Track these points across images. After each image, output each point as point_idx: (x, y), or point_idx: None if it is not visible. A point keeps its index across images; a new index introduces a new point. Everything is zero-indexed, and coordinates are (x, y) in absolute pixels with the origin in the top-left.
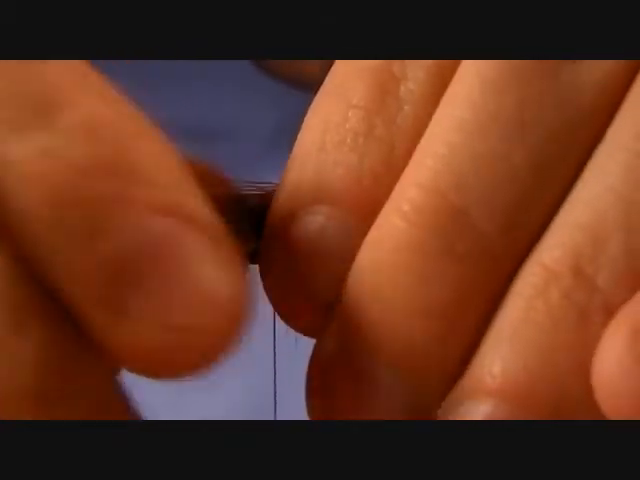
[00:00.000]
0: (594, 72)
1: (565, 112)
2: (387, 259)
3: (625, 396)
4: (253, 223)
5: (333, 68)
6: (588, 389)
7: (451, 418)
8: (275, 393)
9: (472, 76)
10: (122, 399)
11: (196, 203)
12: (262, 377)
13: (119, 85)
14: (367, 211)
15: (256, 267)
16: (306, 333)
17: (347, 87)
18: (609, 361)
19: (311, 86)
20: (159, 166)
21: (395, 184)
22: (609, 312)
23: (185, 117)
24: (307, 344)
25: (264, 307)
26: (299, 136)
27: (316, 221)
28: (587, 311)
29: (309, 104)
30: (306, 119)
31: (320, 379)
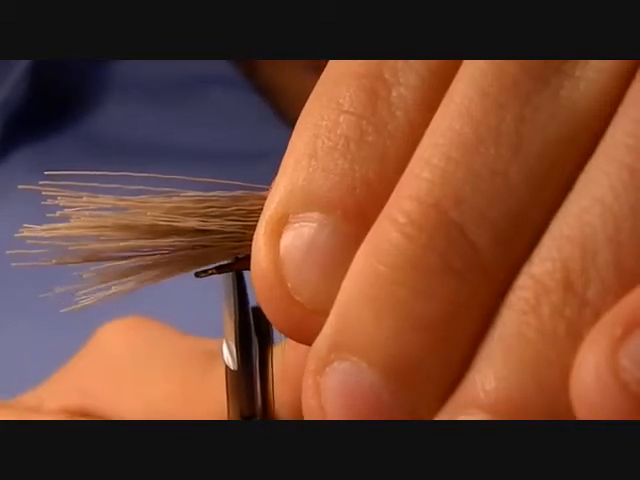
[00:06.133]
0: (591, 87)
1: (561, 127)
2: (382, 272)
3: (601, 412)
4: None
5: (324, 72)
6: None
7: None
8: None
9: (471, 89)
10: None
11: None
12: None
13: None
14: (359, 219)
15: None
16: (298, 339)
17: (338, 92)
18: (587, 374)
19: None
20: None
21: (387, 192)
22: None
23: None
24: None
25: None
26: (290, 141)
27: (308, 227)
28: (577, 326)
29: None
30: (297, 123)
31: (314, 383)
